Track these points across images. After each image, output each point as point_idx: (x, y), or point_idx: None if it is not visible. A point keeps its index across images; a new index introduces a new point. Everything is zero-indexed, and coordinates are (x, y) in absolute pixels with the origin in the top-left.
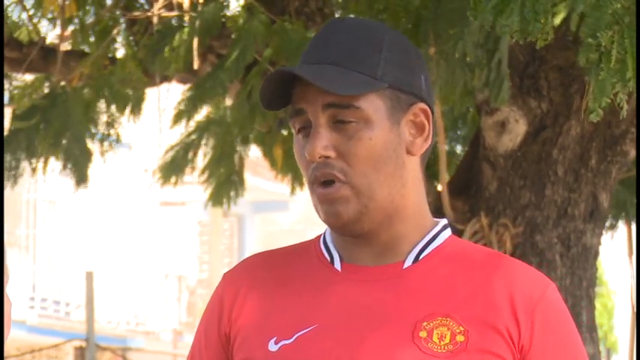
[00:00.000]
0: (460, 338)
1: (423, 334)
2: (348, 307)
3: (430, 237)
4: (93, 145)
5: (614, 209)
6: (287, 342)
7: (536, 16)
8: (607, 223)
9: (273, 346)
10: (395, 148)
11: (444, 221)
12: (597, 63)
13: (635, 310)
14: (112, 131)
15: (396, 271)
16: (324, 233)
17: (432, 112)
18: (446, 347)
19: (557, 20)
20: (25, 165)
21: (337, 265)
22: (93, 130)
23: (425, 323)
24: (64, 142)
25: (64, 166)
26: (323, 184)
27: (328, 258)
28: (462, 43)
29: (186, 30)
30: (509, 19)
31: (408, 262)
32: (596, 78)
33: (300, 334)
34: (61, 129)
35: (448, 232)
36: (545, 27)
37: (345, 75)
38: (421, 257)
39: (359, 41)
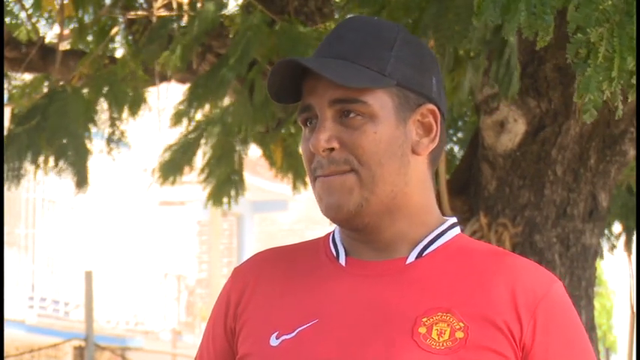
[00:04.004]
0: (459, 334)
1: (422, 329)
2: (349, 302)
3: (436, 234)
4: (94, 145)
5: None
6: (288, 337)
7: (545, 10)
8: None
9: (274, 341)
10: (400, 145)
11: (452, 219)
12: (585, 59)
13: (634, 309)
14: (115, 130)
15: (399, 266)
16: (335, 230)
17: (443, 115)
18: (445, 344)
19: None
20: (27, 166)
21: (342, 260)
22: (93, 130)
23: (425, 319)
24: (63, 141)
25: (57, 164)
26: (325, 175)
27: (334, 253)
28: (467, 41)
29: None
30: (516, 16)
31: (411, 258)
32: (583, 74)
33: (301, 328)
34: (58, 128)
35: (456, 230)
36: (551, 23)
37: (353, 69)
38: (425, 253)
39: (370, 38)
